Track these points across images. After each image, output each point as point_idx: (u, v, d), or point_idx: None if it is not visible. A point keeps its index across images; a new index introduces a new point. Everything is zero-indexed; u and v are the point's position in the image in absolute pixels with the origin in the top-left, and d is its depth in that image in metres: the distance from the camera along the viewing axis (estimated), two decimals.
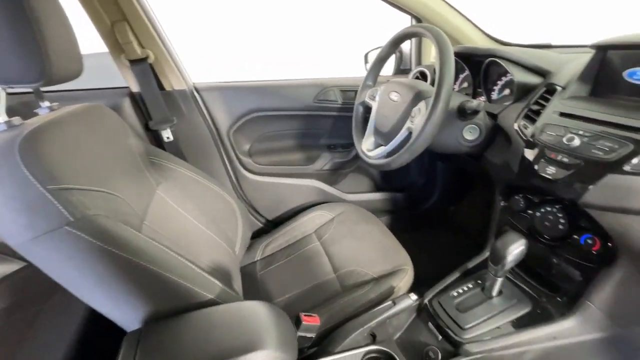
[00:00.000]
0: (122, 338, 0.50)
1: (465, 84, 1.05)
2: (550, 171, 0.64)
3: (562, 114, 0.66)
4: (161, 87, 1.05)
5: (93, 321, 0.79)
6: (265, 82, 1.20)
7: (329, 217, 1.10)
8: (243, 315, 0.55)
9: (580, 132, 0.61)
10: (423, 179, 1.49)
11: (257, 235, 1.16)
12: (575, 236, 0.67)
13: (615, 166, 0.55)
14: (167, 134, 1.07)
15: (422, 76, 1.15)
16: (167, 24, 1.01)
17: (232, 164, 1.24)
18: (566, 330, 0.69)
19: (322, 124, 1.28)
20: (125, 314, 0.52)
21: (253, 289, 0.94)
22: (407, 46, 1.28)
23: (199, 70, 1.13)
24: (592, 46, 0.67)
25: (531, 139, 0.70)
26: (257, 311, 0.55)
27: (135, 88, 1.03)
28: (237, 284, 0.84)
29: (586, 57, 0.69)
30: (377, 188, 1.46)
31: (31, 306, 0.84)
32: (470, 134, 0.84)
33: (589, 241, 0.65)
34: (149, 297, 0.51)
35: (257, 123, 1.22)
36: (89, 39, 0.97)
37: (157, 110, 1.04)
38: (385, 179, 1.45)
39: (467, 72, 1.03)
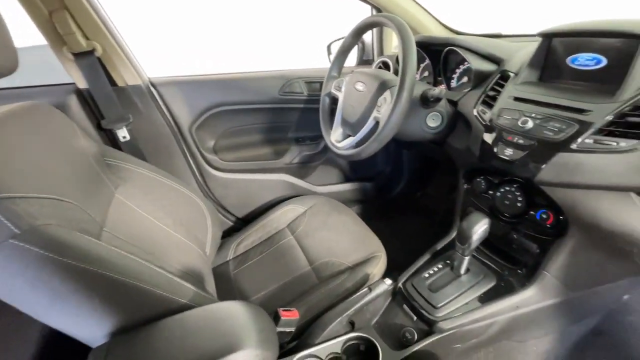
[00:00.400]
0: (86, 355, 0.47)
1: (426, 73, 1.08)
2: (508, 153, 0.68)
3: (516, 99, 0.71)
4: (113, 82, 0.97)
5: (52, 341, 0.73)
6: (227, 75, 1.15)
7: (301, 210, 1.10)
8: (219, 317, 0.53)
9: (533, 115, 0.65)
10: (390, 167, 1.53)
11: (228, 234, 1.13)
12: (532, 212, 0.73)
13: (564, 145, 0.59)
14: (122, 133, 0.99)
15: (385, 66, 1.17)
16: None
17: (196, 161, 1.18)
18: (527, 299, 0.75)
19: (288, 117, 1.26)
20: (90, 329, 0.48)
21: (227, 289, 0.92)
22: (368, 37, 1.30)
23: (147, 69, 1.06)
24: (538, 34, 0.71)
25: (489, 124, 0.74)
26: (233, 311, 0.54)
27: (82, 84, 0.94)
28: (211, 286, 0.81)
29: (534, 45, 0.74)
30: (347, 179, 1.48)
31: None
32: (433, 121, 0.87)
33: (544, 216, 0.71)
34: (115, 308, 0.48)
35: (220, 118, 1.17)
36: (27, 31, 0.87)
37: (110, 108, 0.96)
38: (354, 169, 1.47)
39: (427, 61, 1.06)
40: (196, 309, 0.53)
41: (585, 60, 0.65)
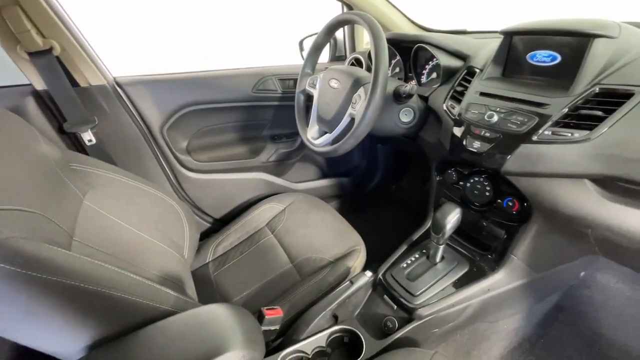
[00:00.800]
0: None
1: (397, 69, 1.11)
2: (476, 145, 0.72)
3: (482, 94, 0.75)
4: (74, 83, 0.91)
5: (25, 357, 0.69)
6: (198, 73, 1.12)
7: (279, 208, 1.10)
8: (202, 321, 0.52)
9: (498, 109, 0.69)
10: (365, 162, 1.56)
11: (206, 235, 1.11)
12: (499, 200, 0.78)
13: (526, 137, 0.64)
14: (88, 137, 0.94)
15: (357, 62, 1.19)
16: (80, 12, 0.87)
17: (169, 163, 1.15)
18: (497, 282, 0.80)
19: (263, 115, 1.25)
20: (65, 344, 0.46)
21: (208, 292, 0.91)
22: (340, 34, 1.30)
23: (132, 68, 1.00)
24: (500, 32, 0.75)
25: (458, 118, 0.77)
26: (216, 314, 0.53)
27: (40, 85, 0.88)
28: (191, 289, 0.80)
29: (496, 41, 0.78)
30: (324, 174, 1.49)
31: None
32: (405, 116, 0.90)
33: (510, 203, 0.76)
34: (91, 320, 0.46)
35: (193, 118, 1.14)
36: None
37: (73, 110, 0.91)
38: (330, 165, 1.48)
39: (398, 58, 1.08)
40: (178, 315, 0.52)
41: (542, 57, 0.70)
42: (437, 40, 0.91)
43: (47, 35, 0.83)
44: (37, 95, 0.89)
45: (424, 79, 1.03)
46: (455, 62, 0.89)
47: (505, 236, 0.81)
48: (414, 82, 1.05)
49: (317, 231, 1.01)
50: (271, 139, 1.31)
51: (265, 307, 0.67)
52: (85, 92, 0.93)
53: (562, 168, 0.60)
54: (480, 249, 0.87)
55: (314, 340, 0.73)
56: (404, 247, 0.94)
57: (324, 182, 1.47)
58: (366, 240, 0.97)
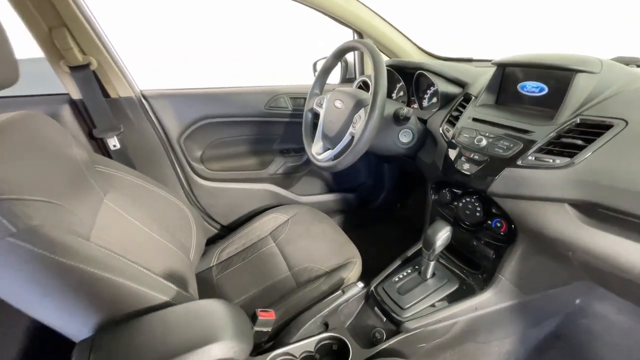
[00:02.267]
0: (70, 350, 0.50)
1: (401, 93, 1.17)
2: (466, 167, 0.76)
3: (474, 119, 0.79)
4: (106, 94, 1.03)
5: (38, 334, 0.75)
6: (216, 89, 1.22)
7: (283, 219, 1.15)
8: (200, 314, 0.57)
9: (487, 134, 0.73)
10: (372, 179, 1.61)
11: (213, 241, 1.17)
12: (489, 221, 0.80)
13: (511, 161, 0.67)
14: (113, 142, 1.04)
15: (365, 85, 1.26)
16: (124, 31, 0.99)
17: (184, 170, 1.23)
18: (484, 301, 0.82)
19: (274, 130, 1.33)
20: (76, 323, 0.51)
21: (210, 293, 0.96)
22: (351, 57, 1.38)
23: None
24: (493, 63, 0.80)
25: (452, 141, 0.82)
26: (212, 307, 0.58)
27: (76, 95, 0.99)
28: (193, 288, 0.85)
29: (494, 70, 0.83)
30: (330, 189, 1.54)
31: None
32: (404, 137, 0.95)
33: (498, 224, 0.78)
34: (101, 304, 0.51)
35: (208, 129, 1.23)
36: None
37: (102, 118, 1.01)
38: (337, 180, 1.54)
39: (402, 83, 1.15)
40: (178, 306, 0.57)
41: (532, 88, 0.74)
42: (436, 67, 0.97)
43: (87, 52, 0.94)
44: (73, 104, 1.00)
45: (425, 103, 1.08)
46: (453, 89, 0.94)
47: (494, 256, 0.83)
48: (415, 106, 1.10)
49: (317, 242, 1.05)
50: (280, 153, 1.38)
51: (260, 309, 0.72)
52: (114, 103, 1.04)
53: (544, 192, 0.63)
54: (472, 268, 0.89)
55: (303, 345, 0.76)
56: (397, 262, 0.97)
57: (329, 197, 1.52)
58: (364, 254, 1.00)
